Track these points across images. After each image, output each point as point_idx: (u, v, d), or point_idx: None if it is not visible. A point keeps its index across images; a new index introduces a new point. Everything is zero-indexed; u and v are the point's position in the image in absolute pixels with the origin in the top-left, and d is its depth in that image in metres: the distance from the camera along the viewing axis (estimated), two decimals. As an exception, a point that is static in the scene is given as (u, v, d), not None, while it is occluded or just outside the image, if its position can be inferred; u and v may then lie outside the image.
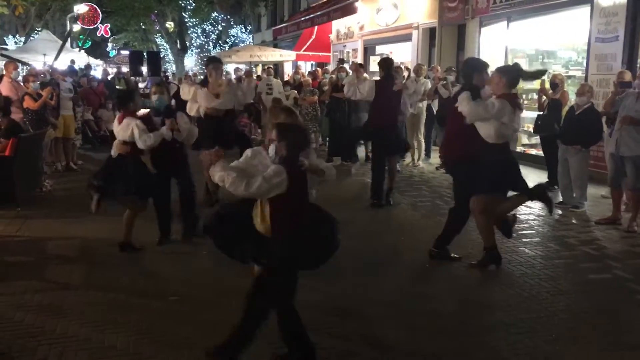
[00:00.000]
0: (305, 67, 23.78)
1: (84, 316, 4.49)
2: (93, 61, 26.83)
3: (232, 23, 32.38)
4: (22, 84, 9.42)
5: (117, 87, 15.14)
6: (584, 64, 10.29)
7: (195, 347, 3.98)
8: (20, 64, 17.80)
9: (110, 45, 47.80)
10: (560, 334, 4.32)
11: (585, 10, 10.14)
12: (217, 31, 32.53)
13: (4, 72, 9.58)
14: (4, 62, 13.87)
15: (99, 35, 37.93)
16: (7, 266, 5.64)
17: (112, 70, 20.26)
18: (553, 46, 11.73)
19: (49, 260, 5.87)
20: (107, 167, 5.90)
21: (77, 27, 30.35)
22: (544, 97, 8.79)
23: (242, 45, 29.40)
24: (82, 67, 18.15)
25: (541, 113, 8.84)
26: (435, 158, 11.54)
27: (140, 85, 17.42)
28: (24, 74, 12.24)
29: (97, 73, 19.05)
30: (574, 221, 7.40)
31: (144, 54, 18.08)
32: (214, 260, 5.46)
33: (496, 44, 12.55)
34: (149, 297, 4.86)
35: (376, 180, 8.21)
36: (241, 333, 3.69)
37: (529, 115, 9.97)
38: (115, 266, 5.58)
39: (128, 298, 4.85)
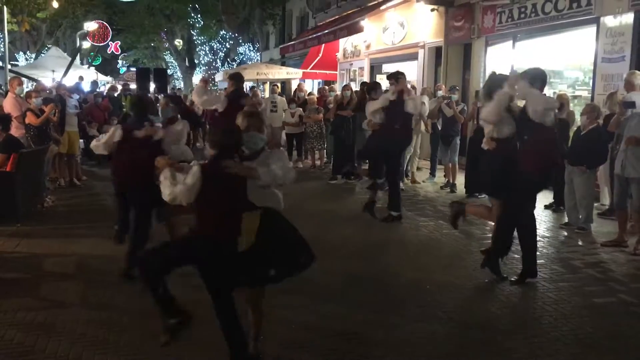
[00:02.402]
0: (312, 85, 23.85)
1: (76, 335, 4.42)
2: (102, 78, 27.07)
3: (240, 41, 32.59)
4: (26, 100, 9.44)
5: (123, 103, 15.18)
6: (591, 84, 10.22)
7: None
8: (29, 80, 18.01)
9: (120, 62, 48.29)
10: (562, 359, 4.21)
11: (591, 30, 10.10)
12: (225, 49, 32.72)
13: (10, 88, 9.60)
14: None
15: (109, 52, 38.38)
16: (3, 283, 5.58)
17: (119, 87, 20.35)
18: (559, 66, 11.67)
19: (45, 277, 5.81)
20: None
21: (87, 44, 30.69)
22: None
23: (250, 62, 29.55)
24: (91, 83, 18.29)
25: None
26: (440, 177, 11.47)
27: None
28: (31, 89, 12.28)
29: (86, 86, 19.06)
30: (579, 243, 7.28)
31: (151, 70, 18.13)
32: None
33: (502, 63, 12.49)
34: (143, 317, 4.76)
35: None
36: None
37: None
38: (111, 284, 5.49)
39: (122, 317, 4.78)
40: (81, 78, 19.96)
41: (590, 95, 10.12)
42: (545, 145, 5.55)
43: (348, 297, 5.31)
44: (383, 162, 8.24)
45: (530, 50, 12.02)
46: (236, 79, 8.50)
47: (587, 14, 10.03)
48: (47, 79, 20.14)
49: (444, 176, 11.18)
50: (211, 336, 4.15)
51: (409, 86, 8.62)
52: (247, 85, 22.68)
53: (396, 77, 8.19)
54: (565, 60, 11.47)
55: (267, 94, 19.59)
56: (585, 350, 4.37)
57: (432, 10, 14.64)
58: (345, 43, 20.79)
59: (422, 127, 11.16)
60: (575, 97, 10.59)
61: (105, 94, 16.54)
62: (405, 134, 8.34)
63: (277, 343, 4.31)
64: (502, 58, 12.60)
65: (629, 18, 9.25)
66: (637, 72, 8.23)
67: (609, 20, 9.60)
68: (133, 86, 18.50)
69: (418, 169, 12.06)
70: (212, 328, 4.32)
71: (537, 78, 5.59)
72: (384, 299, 5.29)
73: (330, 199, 9.98)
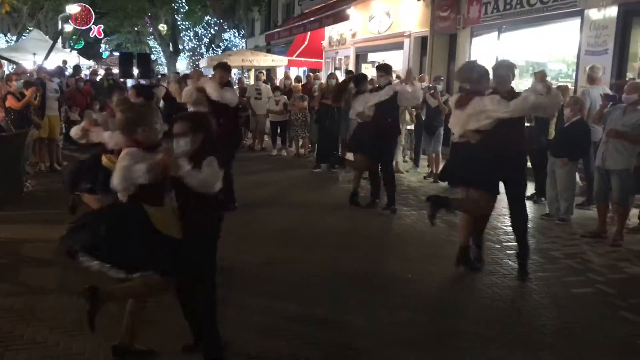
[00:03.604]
0: (298, 72, 23.78)
1: (55, 321, 4.38)
2: (84, 62, 26.70)
3: (225, 27, 32.32)
4: (5, 82, 9.28)
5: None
6: (574, 76, 10.30)
7: (166, 355, 3.89)
8: (9, 63, 17.70)
9: (103, 46, 47.66)
10: (541, 349, 4.26)
11: (575, 22, 10.16)
12: (209, 35, 32.44)
13: (-11, 71, 9.46)
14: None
15: (92, 36, 37.83)
16: (-20, 268, 5.52)
17: (102, 71, 20.12)
18: (543, 58, 11.75)
19: (24, 263, 5.75)
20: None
21: (69, 28, 30.23)
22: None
23: (235, 49, 29.32)
24: (73, 68, 18.04)
25: (528, 124, 8.81)
26: (424, 167, 11.51)
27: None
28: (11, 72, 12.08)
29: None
30: (559, 234, 7.34)
31: (134, 55, 17.93)
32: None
33: (487, 54, 12.53)
34: (121, 302, 4.73)
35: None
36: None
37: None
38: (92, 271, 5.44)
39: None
40: (65, 62, 19.68)
41: (573, 87, 10.19)
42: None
43: (329, 286, 5.31)
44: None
45: (515, 41, 12.09)
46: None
47: (572, 6, 10.09)
48: (28, 62, 19.78)
49: (428, 166, 11.22)
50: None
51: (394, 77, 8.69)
52: (234, 73, 22.56)
53: (386, 70, 8.25)
54: (549, 52, 11.55)
55: (252, 81, 19.48)
56: (563, 340, 4.42)
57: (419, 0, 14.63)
58: (331, 31, 20.73)
59: (407, 117, 11.18)
60: (558, 88, 10.63)
61: (87, 78, 16.33)
62: (397, 126, 8.47)
63: (256, 332, 4.31)
64: (487, 49, 12.64)
65: (612, 11, 9.32)
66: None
67: (593, 13, 9.66)
68: (116, 71, 18.30)
69: (404, 161, 12.09)
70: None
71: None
72: (366, 288, 5.30)
73: (314, 187, 9.98)
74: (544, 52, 11.63)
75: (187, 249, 3.59)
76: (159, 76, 19.34)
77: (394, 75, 11.27)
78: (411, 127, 11.69)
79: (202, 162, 3.54)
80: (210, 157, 3.58)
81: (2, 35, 33.11)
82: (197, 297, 3.77)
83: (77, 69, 17.09)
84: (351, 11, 17.46)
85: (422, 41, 15.20)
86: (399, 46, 16.11)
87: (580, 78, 9.92)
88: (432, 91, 10.68)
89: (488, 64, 12.07)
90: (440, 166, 10.66)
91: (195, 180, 3.51)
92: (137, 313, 3.83)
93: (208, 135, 3.69)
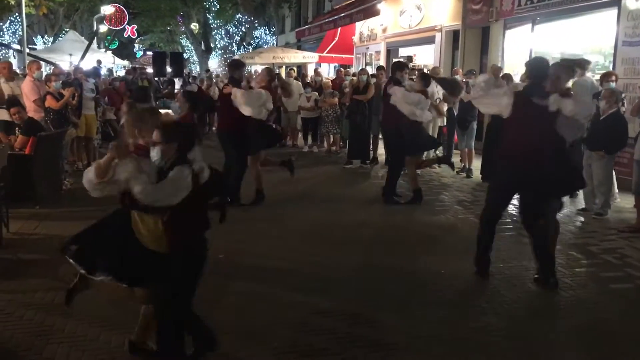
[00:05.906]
0: (328, 69, 23.75)
1: (94, 316, 4.48)
2: (119, 61, 27.21)
3: (256, 25, 32.50)
4: (44, 83, 9.51)
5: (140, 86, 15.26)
6: (611, 68, 10.05)
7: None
8: (46, 64, 18.15)
9: (137, 46, 48.44)
10: (579, 346, 4.20)
11: (612, 13, 9.92)
12: (241, 32, 32.65)
13: (28, 71, 9.68)
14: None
15: (125, 36, 38.49)
16: (22, 264, 5.68)
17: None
18: (579, 49, 11.49)
19: (63, 259, 5.85)
20: None
21: (104, 28, 30.81)
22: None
23: (266, 46, 29.47)
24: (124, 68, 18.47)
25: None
26: (456, 163, 11.39)
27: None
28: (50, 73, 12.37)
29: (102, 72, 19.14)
30: (596, 229, 7.21)
31: (168, 54, 18.21)
32: (229, 263, 5.47)
33: (521, 47, 12.35)
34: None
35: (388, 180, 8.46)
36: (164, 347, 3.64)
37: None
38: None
39: (139, 298, 4.83)
40: (99, 62, 20.09)
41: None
42: None
43: (361, 282, 5.32)
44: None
45: (549, 33, 11.87)
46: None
47: (609, -4, 9.87)
48: (65, 63, 20.29)
49: (460, 161, 11.11)
50: (222, 319, 4.20)
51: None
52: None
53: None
54: (585, 44, 11.30)
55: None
56: (601, 336, 4.35)
57: (450, -8, 14.49)
58: (362, 27, 20.66)
59: (434, 112, 11.01)
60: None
61: (122, 77, 16.66)
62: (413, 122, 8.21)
63: (288, 326, 4.35)
64: (520, 42, 12.44)
65: (651, 1, 9.09)
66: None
67: (631, 3, 9.42)
68: (149, 70, 18.60)
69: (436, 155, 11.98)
70: (226, 313, 4.38)
71: None
72: (398, 284, 5.30)
73: (346, 183, 9.98)
74: (580, 44, 11.39)
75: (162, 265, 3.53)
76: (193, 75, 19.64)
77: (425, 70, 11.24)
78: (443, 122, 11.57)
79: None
80: (178, 167, 3.38)
81: (39, 36, 33.90)
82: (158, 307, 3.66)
83: (130, 71, 17.50)
84: (382, 6, 17.36)
85: (454, 35, 15.04)
86: (430, 40, 15.96)
87: (617, 70, 9.68)
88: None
89: (522, 57, 11.93)
90: (474, 162, 10.60)
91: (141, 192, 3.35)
92: (149, 315, 3.82)
93: (182, 145, 3.45)
